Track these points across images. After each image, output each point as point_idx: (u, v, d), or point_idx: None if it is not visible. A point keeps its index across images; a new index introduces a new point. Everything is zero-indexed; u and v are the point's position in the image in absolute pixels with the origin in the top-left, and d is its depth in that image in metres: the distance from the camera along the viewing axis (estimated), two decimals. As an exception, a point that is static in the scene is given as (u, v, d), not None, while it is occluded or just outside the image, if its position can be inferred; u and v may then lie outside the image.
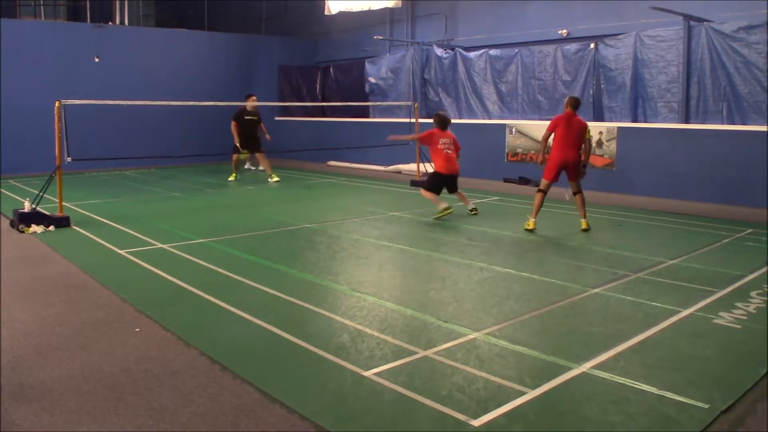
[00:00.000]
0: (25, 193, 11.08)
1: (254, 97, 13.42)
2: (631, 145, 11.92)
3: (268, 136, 13.64)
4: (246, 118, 13.18)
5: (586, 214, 8.35)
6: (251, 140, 13.30)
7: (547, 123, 13.17)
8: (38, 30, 15.97)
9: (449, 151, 9.33)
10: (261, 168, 14.55)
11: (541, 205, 8.25)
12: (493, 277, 6.11)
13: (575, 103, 8.27)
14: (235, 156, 13.55)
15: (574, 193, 8.35)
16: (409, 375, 3.79)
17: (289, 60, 20.03)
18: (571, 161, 8.16)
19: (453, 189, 9.59)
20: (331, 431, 3.17)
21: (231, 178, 13.68)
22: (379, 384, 3.67)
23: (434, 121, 9.58)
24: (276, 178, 13.48)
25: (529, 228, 8.18)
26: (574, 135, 8.12)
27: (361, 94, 17.74)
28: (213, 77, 18.28)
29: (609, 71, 12.61)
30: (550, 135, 8.21)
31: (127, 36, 17.42)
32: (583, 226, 8.25)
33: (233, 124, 13.18)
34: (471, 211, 9.55)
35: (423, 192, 9.49)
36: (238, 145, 13.18)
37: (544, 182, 8.27)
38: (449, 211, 9.20)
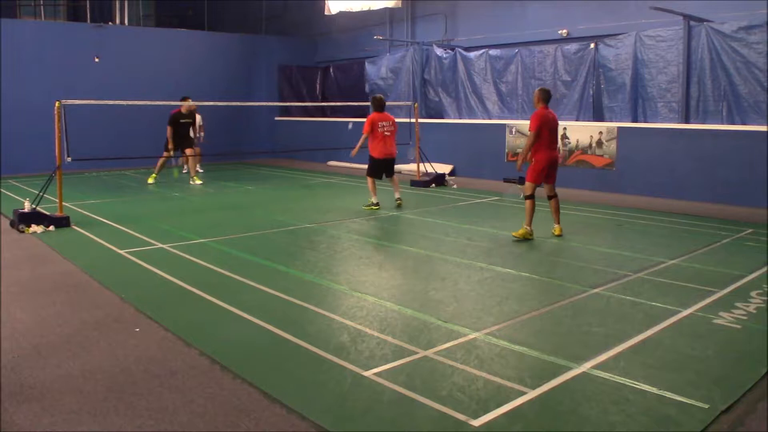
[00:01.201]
0: (25, 193, 11.08)
1: (189, 99, 13.16)
2: (631, 145, 11.92)
3: (201, 138, 13.66)
4: (181, 121, 12.99)
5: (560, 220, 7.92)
6: (184, 140, 13.11)
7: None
8: (38, 30, 15.98)
9: (387, 134, 9.78)
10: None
11: (533, 210, 7.71)
12: (493, 277, 6.11)
13: (548, 97, 7.72)
14: (163, 157, 13.17)
15: (550, 197, 7.86)
16: (409, 375, 3.79)
17: (289, 60, 20.03)
18: (557, 160, 7.84)
19: (389, 173, 10.05)
20: (331, 431, 3.17)
21: (150, 180, 13.21)
22: (379, 384, 3.67)
23: (371, 104, 10.06)
24: (199, 181, 13.27)
25: (527, 236, 7.64)
26: (555, 132, 7.77)
27: (361, 94, 17.74)
28: (213, 77, 18.29)
29: (609, 71, 12.60)
30: (539, 135, 7.54)
31: (127, 36, 17.42)
32: (557, 232, 7.83)
33: (169, 129, 12.85)
34: (396, 200, 10.07)
35: (367, 177, 9.98)
36: (170, 147, 12.92)
37: (531, 186, 7.68)
38: (376, 207, 9.72)
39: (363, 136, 9.86)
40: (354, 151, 10.08)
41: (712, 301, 5.29)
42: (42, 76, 15.30)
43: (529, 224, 7.70)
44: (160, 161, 13.27)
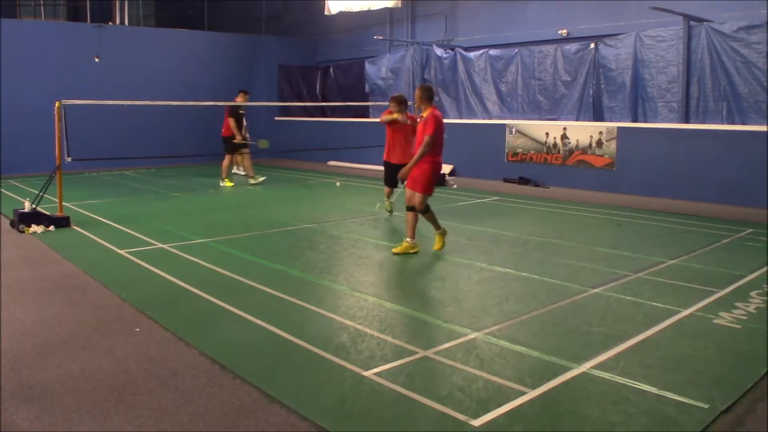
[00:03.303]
0: (25, 193, 11.08)
1: (247, 93, 13.23)
2: (631, 145, 11.92)
3: (248, 137, 13.74)
4: (240, 112, 12.85)
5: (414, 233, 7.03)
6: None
7: (547, 123, 13.37)
8: (38, 30, 15.98)
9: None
10: (243, 172, 14.42)
11: (435, 217, 6.96)
12: (493, 277, 6.11)
13: (432, 95, 6.86)
14: (230, 158, 12.95)
15: (410, 208, 6.94)
16: (409, 375, 3.79)
17: (289, 60, 20.03)
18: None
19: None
20: (331, 431, 3.17)
21: (230, 185, 12.92)
22: (379, 384, 3.67)
23: (402, 101, 8.54)
24: (259, 179, 13.12)
25: (414, 251, 6.90)
26: (443, 136, 6.86)
27: (361, 94, 17.75)
28: (213, 77, 18.29)
29: (609, 71, 12.61)
30: (435, 140, 6.66)
31: (127, 36, 17.42)
32: (399, 249, 6.91)
33: (233, 121, 12.61)
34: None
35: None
36: (238, 139, 12.70)
37: (425, 197, 6.80)
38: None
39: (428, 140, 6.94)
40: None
41: (712, 301, 5.29)
42: (42, 76, 15.29)
43: (439, 226, 7.00)
44: (247, 161, 13.03)
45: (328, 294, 5.54)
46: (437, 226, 7.02)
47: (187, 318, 4.86)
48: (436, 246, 7.02)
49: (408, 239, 6.99)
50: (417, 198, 6.84)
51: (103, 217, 9.10)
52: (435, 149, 6.75)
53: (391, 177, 8.66)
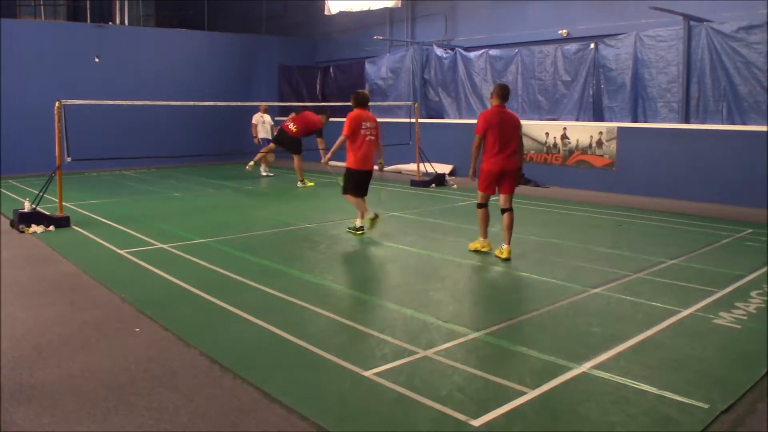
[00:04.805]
0: (25, 193, 11.08)
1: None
2: (631, 145, 11.92)
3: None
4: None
5: (511, 240, 6.82)
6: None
7: (547, 123, 13.38)
8: (38, 30, 15.97)
9: (371, 138, 7.78)
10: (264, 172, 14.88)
11: (487, 220, 6.95)
12: (492, 277, 6.11)
13: (504, 93, 6.80)
14: (299, 158, 13.44)
15: (503, 210, 6.83)
16: (409, 375, 3.79)
17: (289, 60, 20.03)
18: (510, 168, 6.72)
19: (365, 191, 7.97)
20: (331, 431, 3.17)
21: (310, 184, 13.30)
22: (379, 384, 3.67)
23: (355, 100, 7.86)
24: (310, 183, 13.40)
25: (485, 249, 6.95)
26: (508, 135, 6.66)
27: (360, 94, 17.74)
28: (213, 77, 18.29)
29: (609, 71, 12.61)
30: (482, 139, 6.66)
31: (127, 36, 17.42)
32: (505, 254, 6.68)
33: (321, 141, 13.20)
34: (370, 219, 7.85)
35: (347, 197, 8.01)
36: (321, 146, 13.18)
37: (480, 195, 6.87)
38: (377, 220, 7.84)
39: (341, 138, 7.76)
40: (327, 158, 8.18)
41: (712, 301, 5.29)
42: (42, 76, 15.28)
43: (484, 236, 6.98)
44: (270, 158, 14.28)
45: (328, 294, 5.54)
46: (484, 233, 7.00)
47: (187, 318, 4.87)
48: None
49: (481, 238, 7.04)
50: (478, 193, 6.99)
51: (103, 217, 9.10)
52: (488, 147, 6.68)
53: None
